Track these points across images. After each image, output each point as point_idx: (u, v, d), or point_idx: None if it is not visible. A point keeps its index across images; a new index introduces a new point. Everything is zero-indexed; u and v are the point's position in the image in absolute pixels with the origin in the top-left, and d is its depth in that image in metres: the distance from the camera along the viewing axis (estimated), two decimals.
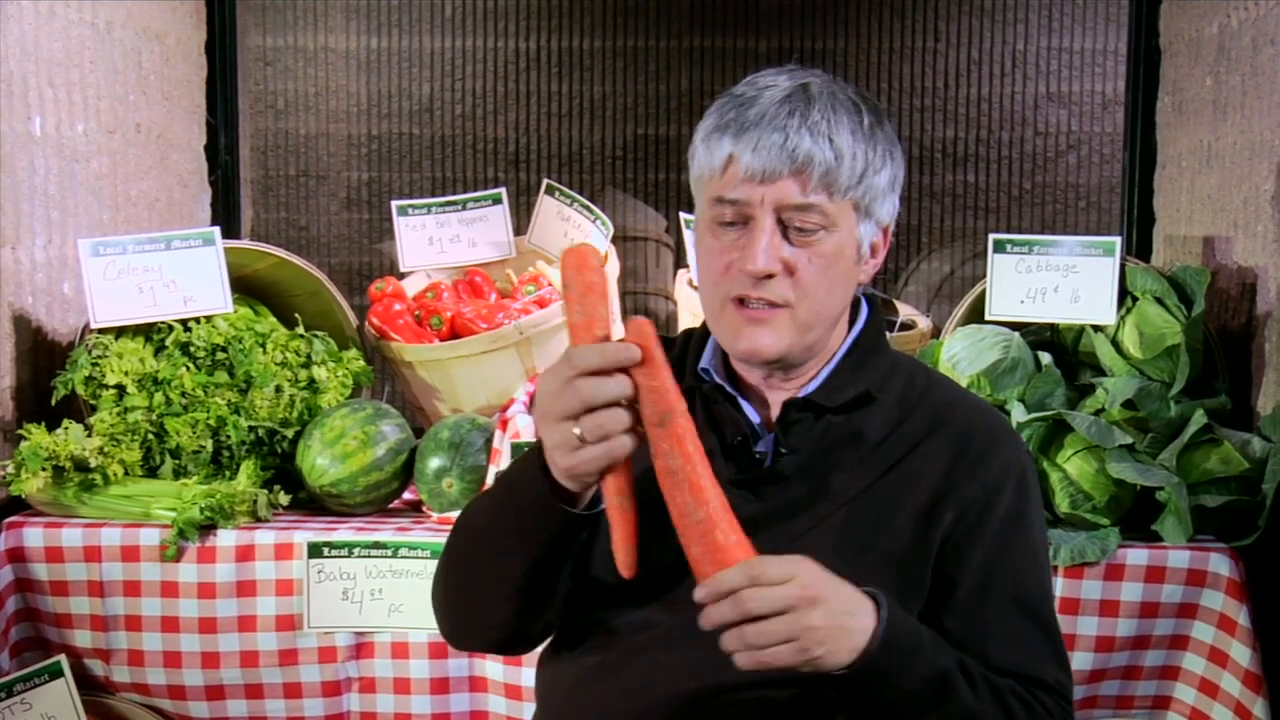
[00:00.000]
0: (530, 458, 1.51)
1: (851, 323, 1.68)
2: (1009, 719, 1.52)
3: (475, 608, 1.63)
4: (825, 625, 1.39)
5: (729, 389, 1.65)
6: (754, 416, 1.65)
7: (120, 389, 2.59)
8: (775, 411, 1.65)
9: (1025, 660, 1.57)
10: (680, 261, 4.61)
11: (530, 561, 1.54)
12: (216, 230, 2.72)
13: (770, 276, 1.55)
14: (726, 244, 1.57)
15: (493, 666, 2.41)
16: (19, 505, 2.55)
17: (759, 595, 1.37)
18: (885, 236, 1.65)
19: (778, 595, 1.38)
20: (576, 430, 1.40)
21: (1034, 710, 1.55)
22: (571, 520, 1.50)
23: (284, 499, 2.54)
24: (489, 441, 2.57)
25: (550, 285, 2.89)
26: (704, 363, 1.68)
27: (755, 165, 1.53)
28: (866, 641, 1.42)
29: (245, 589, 2.43)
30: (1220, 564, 2.32)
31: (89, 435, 2.52)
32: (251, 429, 2.59)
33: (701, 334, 1.73)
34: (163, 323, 2.67)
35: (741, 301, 1.57)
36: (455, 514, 2.53)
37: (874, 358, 1.67)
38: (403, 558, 2.40)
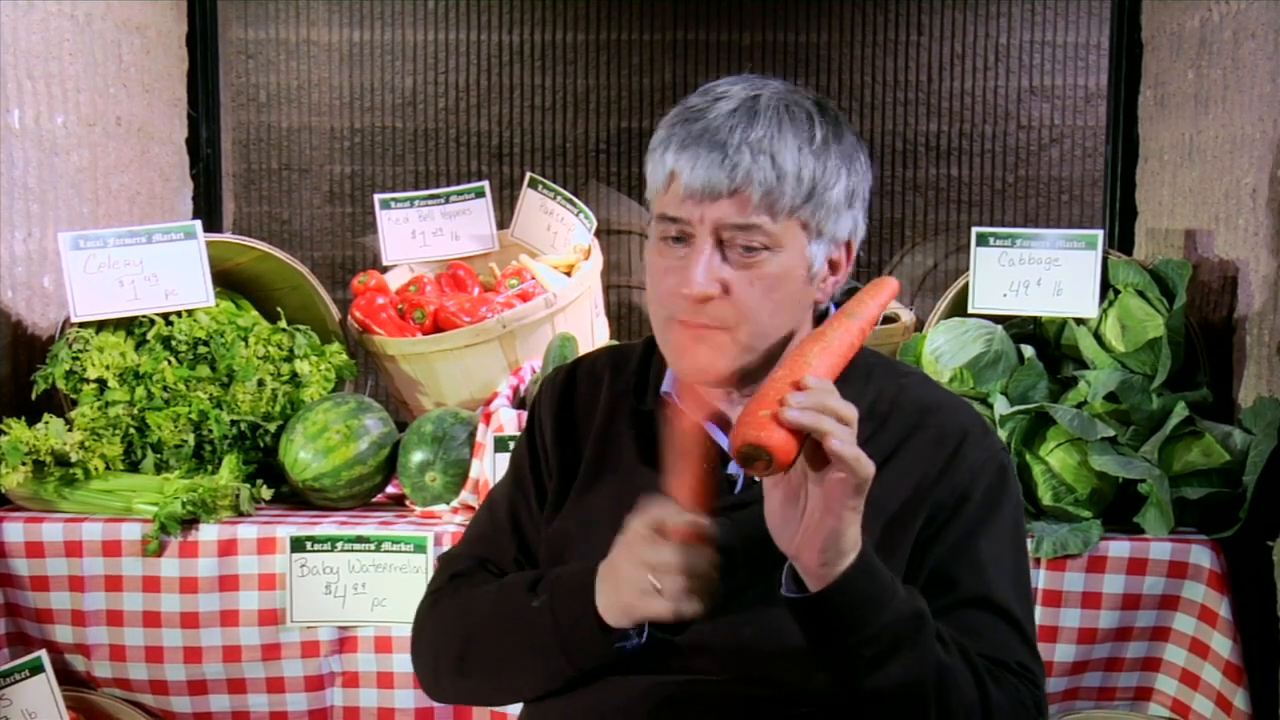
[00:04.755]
0: (576, 595, 1.52)
1: None
2: (977, 680, 1.49)
3: (473, 694, 1.70)
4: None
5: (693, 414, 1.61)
6: (721, 440, 1.61)
7: (101, 383, 2.58)
8: None
9: (985, 647, 1.55)
10: None
11: (550, 687, 1.59)
12: (198, 224, 2.70)
13: (708, 299, 1.51)
14: (671, 262, 1.54)
15: None
16: None
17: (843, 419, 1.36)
18: (848, 251, 1.60)
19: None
20: (656, 583, 1.42)
21: (1001, 681, 1.52)
22: (619, 655, 1.53)
23: (266, 493, 2.53)
24: (472, 435, 2.56)
25: (533, 279, 2.89)
26: (666, 385, 1.65)
27: (694, 183, 1.49)
28: (848, 564, 1.39)
29: (227, 583, 2.42)
30: (1201, 556, 2.33)
31: (70, 430, 2.51)
32: (234, 423, 2.58)
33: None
34: (144, 316, 2.65)
35: (684, 322, 1.54)
36: (439, 508, 2.53)
37: (848, 372, 1.59)
38: (386, 552, 2.39)
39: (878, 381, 1.64)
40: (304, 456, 2.52)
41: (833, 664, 1.44)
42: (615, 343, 2.59)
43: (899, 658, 1.42)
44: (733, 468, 1.61)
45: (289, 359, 2.70)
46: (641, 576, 1.44)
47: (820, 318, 1.64)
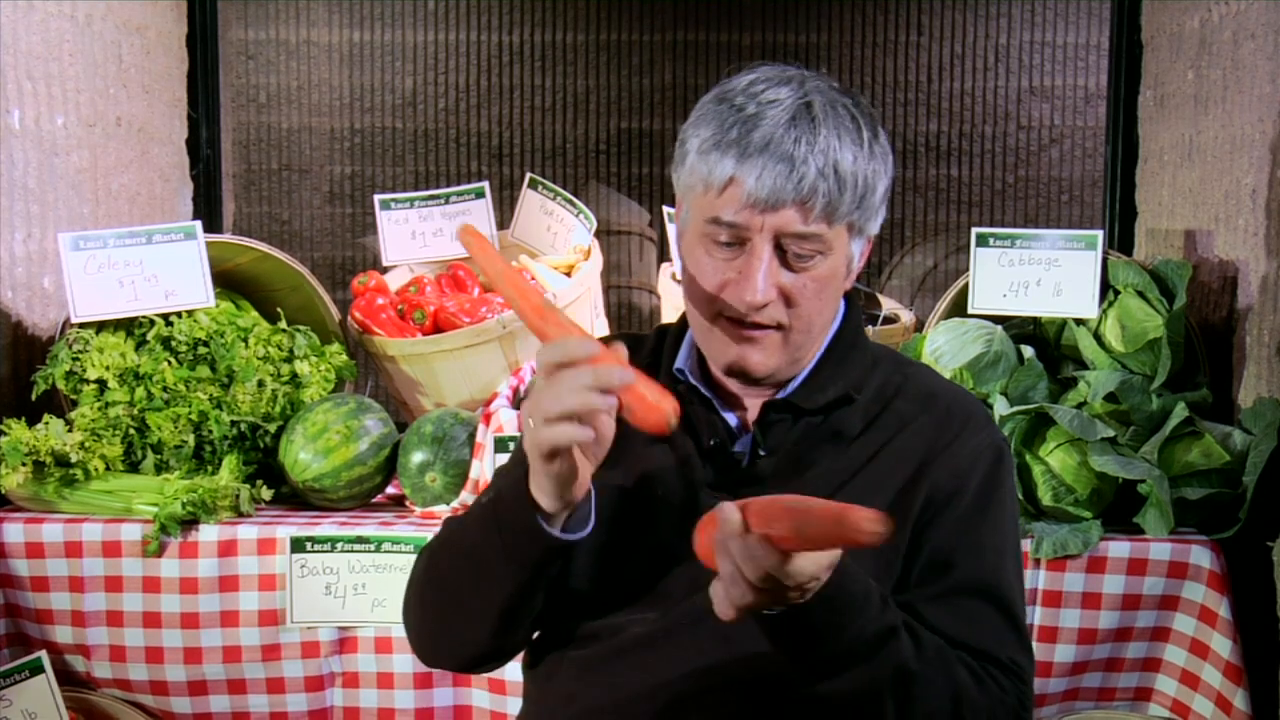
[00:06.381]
0: (512, 482, 1.50)
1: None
2: (954, 686, 1.50)
3: (453, 628, 1.63)
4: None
5: (705, 391, 1.65)
6: (730, 419, 1.65)
7: (101, 384, 2.58)
8: (752, 413, 1.65)
9: (978, 637, 1.56)
10: (663, 255, 4.61)
11: (515, 585, 1.54)
12: (198, 224, 2.70)
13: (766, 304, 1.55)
14: (720, 262, 1.56)
15: None
16: None
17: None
18: (870, 243, 1.64)
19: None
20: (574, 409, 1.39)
21: (984, 682, 1.54)
22: (554, 546, 1.50)
23: (266, 494, 2.53)
24: (472, 436, 2.56)
25: (533, 279, 2.89)
26: (679, 363, 1.67)
27: (759, 193, 1.51)
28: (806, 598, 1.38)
29: (228, 584, 2.42)
30: (1201, 556, 2.33)
31: (70, 430, 2.51)
32: (234, 424, 2.58)
33: (677, 332, 1.72)
34: (144, 317, 2.66)
35: (733, 319, 1.57)
36: (439, 508, 2.54)
37: (853, 355, 1.67)
38: (386, 552, 2.40)
39: (884, 369, 1.69)
40: (304, 457, 2.52)
41: (788, 664, 1.45)
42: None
43: (852, 672, 1.44)
44: (738, 446, 1.63)
45: (289, 359, 2.70)
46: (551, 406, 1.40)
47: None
